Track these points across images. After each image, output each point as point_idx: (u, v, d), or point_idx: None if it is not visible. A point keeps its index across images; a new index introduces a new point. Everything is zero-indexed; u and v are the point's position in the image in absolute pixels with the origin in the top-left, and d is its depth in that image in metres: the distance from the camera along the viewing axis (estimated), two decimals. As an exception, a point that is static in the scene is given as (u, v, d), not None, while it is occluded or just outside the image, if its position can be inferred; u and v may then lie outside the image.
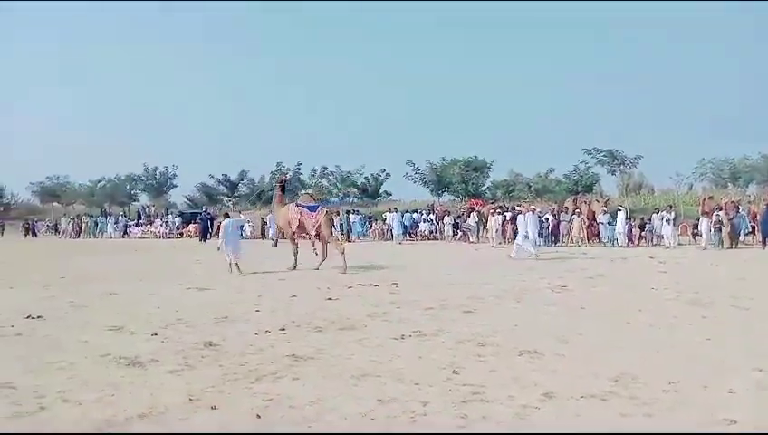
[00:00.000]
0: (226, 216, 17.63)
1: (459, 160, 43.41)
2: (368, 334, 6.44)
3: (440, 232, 28.75)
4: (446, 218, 28.62)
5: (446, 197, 44.55)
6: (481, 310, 8.04)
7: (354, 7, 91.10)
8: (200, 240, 31.42)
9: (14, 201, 62.19)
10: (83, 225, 40.51)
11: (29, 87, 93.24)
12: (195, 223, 35.64)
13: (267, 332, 6.59)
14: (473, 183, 42.44)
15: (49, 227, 45.67)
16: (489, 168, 43.67)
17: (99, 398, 4.23)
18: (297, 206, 14.42)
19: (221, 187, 54.41)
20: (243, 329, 6.82)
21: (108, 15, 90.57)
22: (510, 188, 43.47)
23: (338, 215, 26.65)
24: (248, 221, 30.42)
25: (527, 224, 17.11)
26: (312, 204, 14.60)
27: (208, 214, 35.69)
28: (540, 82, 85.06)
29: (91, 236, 39.16)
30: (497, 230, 23.51)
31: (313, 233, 14.01)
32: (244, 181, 53.97)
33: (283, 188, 16.19)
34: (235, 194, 54.41)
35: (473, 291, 9.87)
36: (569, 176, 41.92)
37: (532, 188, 41.68)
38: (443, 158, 45.00)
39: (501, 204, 30.55)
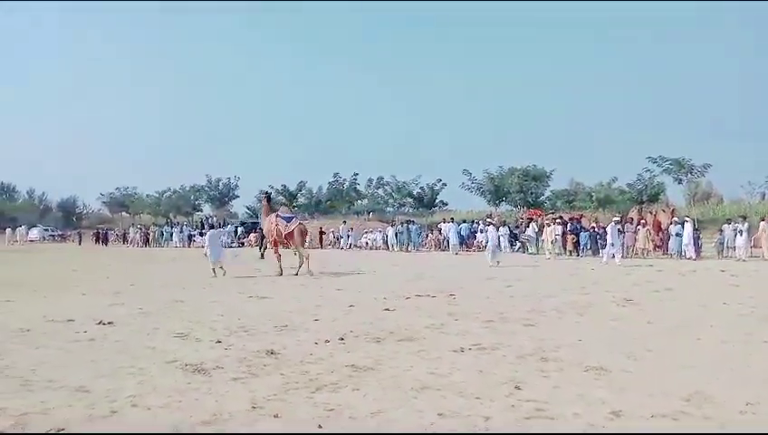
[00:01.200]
0: (211, 227, 19.31)
1: (517, 169, 42.64)
2: (426, 346, 6.39)
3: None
4: (502, 229, 28.20)
5: (504, 207, 43.88)
6: (542, 323, 7.86)
7: (412, 14, 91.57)
8: (259, 249, 32.11)
9: (85, 211, 65.48)
10: (150, 234, 42.13)
11: (100, 102, 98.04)
12: (254, 232, 36.49)
13: (326, 341, 6.65)
14: (531, 193, 41.61)
15: (118, 236, 47.73)
16: (549, 177, 42.69)
17: (166, 403, 4.36)
18: (277, 216, 16.55)
19: (280, 197, 55.54)
20: (302, 338, 6.90)
21: (172, 32, 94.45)
22: (570, 198, 42.33)
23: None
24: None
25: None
26: (288, 215, 17.10)
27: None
28: (603, 89, 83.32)
29: (158, 244, 40.64)
30: (553, 241, 22.98)
31: (284, 240, 16.00)
32: (303, 192, 54.88)
33: (269, 200, 18.60)
34: (294, 204, 55.43)
35: (533, 304, 9.67)
36: (633, 185, 40.47)
37: (593, 198, 40.44)
38: (500, 167, 44.37)
39: (559, 214, 29.89)
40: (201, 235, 41.00)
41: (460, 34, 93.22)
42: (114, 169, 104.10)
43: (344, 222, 33.19)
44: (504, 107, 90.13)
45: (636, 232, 22.84)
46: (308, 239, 17.50)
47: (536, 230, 25.96)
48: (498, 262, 18.82)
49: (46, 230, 51.72)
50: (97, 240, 44.28)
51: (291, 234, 15.78)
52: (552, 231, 23.01)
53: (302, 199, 54.99)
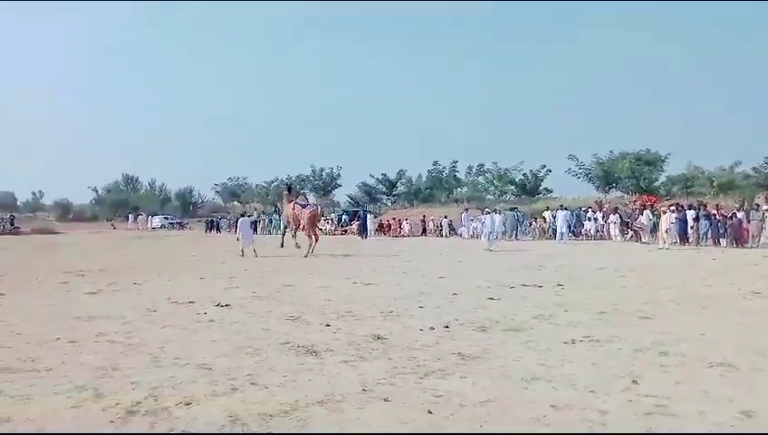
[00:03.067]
0: (243, 215, 24.23)
1: (629, 154, 40.48)
2: (534, 337, 6.23)
3: (607, 231, 27.07)
4: (613, 217, 26.88)
5: (614, 193, 41.82)
6: (660, 316, 7.41)
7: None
8: (361, 237, 32.80)
9: (200, 201, 69.75)
10: (259, 222, 44.14)
11: (218, 99, 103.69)
12: (356, 220, 37.31)
13: (432, 328, 6.66)
14: (645, 178, 39.32)
15: (230, 224, 50.43)
16: (663, 161, 40.21)
17: (282, 383, 4.56)
18: (296, 204, 19.29)
19: (380, 186, 56.27)
20: (408, 324, 6.95)
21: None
22: (688, 184, 39.55)
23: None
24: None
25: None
26: (304, 202, 19.92)
27: (365, 212, 37.20)
28: (723, 66, 76.79)
29: (266, 232, 42.50)
30: (668, 229, 21.57)
31: (300, 224, 18.74)
32: (402, 180, 55.28)
33: (289, 190, 21.40)
34: (394, 193, 55.96)
35: (649, 295, 9.15)
36: (758, 169, 37.21)
37: (714, 184, 37.54)
38: (610, 151, 42.39)
39: (677, 201, 28.03)
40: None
41: (565, 12, 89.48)
42: (227, 160, 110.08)
43: (466, 210, 32.64)
44: (614, 89, 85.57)
45: (763, 220, 20.96)
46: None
47: (650, 218, 24.50)
48: (491, 249, 20.96)
49: (166, 218, 55.61)
50: (210, 228, 46.94)
51: (308, 216, 18.56)
52: (668, 219, 21.63)
53: (401, 188, 55.43)
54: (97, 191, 69.46)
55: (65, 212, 68.43)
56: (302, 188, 60.06)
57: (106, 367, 5.02)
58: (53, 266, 15.09)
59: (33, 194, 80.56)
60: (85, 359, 5.35)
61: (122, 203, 63.88)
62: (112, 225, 53.40)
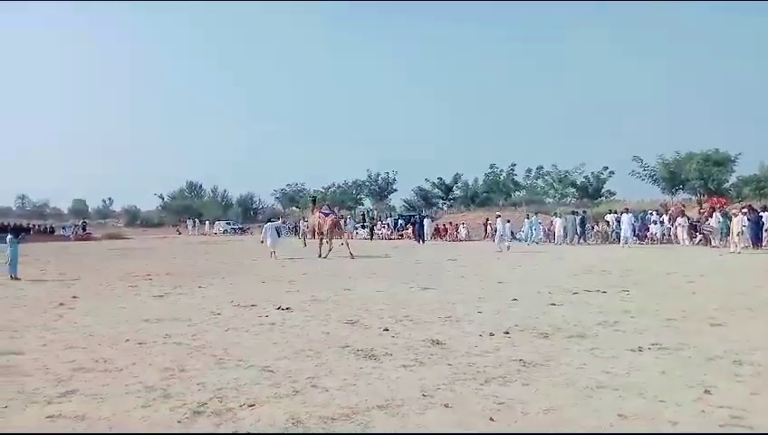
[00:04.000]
0: (269, 220, 25.79)
1: (697, 154, 38.73)
2: (599, 344, 6.04)
3: (674, 235, 26.01)
4: (680, 220, 25.80)
5: (681, 195, 40.14)
6: (733, 323, 7.05)
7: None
8: (417, 241, 32.74)
9: (261, 206, 71.32)
10: (284, 227, 44.73)
11: (274, 104, 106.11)
12: (411, 224, 37.26)
13: (491, 334, 6.55)
14: (713, 180, 37.55)
15: (290, 229, 51.36)
16: (734, 162, 38.25)
17: (342, 386, 4.59)
18: (320, 211, 21.39)
19: (436, 190, 56.01)
20: (467, 330, 6.87)
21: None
22: (761, 185, 37.52)
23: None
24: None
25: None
26: (326, 211, 21.72)
27: (422, 216, 37.11)
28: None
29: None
30: (740, 233, 20.51)
31: (324, 230, 20.54)
32: (459, 184, 54.85)
33: (314, 202, 24.85)
34: (450, 197, 55.60)
35: (721, 302, 8.72)
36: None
37: (791, 185, 35.44)
38: (677, 152, 40.64)
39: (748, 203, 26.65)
40: (363, 227, 42.92)
41: (625, 11, 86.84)
42: (286, 166, 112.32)
43: (536, 214, 31.87)
44: (679, 87, 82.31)
45: None
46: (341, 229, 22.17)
47: (720, 221, 23.38)
48: (500, 250, 22.77)
49: (228, 224, 57.15)
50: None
51: (330, 223, 20.55)
52: (740, 222, 20.58)
53: (457, 192, 54.98)
54: (163, 198, 72.22)
55: (133, 218, 71.45)
56: (359, 194, 60.82)
57: (173, 368, 5.19)
58: (123, 271, 15.76)
59: (104, 201, 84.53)
60: (154, 360, 5.55)
61: (187, 209, 66.10)
62: (177, 230, 55.30)
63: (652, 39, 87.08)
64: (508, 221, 26.53)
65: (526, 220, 30.35)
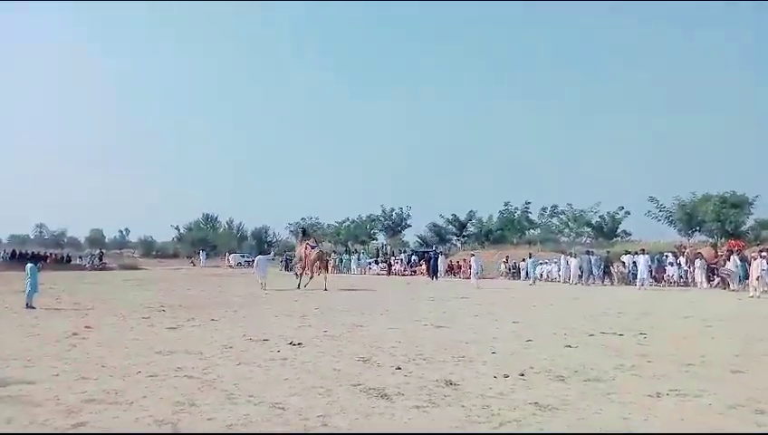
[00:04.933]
0: (261, 253, 29.37)
1: (713, 196, 38.40)
2: (616, 389, 5.90)
3: (692, 278, 25.63)
4: (698, 262, 25.45)
5: (697, 237, 39.68)
6: (755, 370, 6.87)
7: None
8: (431, 277, 32.56)
9: (275, 239, 71.56)
10: (330, 261, 44.78)
11: (290, 139, 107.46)
12: (426, 261, 37.07)
13: (506, 376, 6.44)
14: (731, 222, 37.11)
15: (286, 262, 51.20)
16: (751, 204, 37.83)
17: (352, 426, 4.51)
18: (306, 244, 22.83)
19: (450, 226, 55.89)
20: (481, 371, 6.77)
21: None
22: (779, 228, 37.04)
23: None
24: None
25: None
26: (313, 244, 23.15)
27: (436, 253, 36.99)
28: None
29: (338, 271, 43.01)
30: (759, 277, 20.15)
31: (308, 263, 22.05)
32: (473, 221, 54.69)
33: (304, 233, 26.55)
34: (464, 233, 55.41)
35: (741, 347, 8.54)
36: None
37: (810, 228, 34.89)
38: (693, 193, 40.32)
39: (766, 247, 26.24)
40: (377, 263, 42.84)
41: (638, 47, 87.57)
42: (300, 201, 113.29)
43: (572, 254, 31.74)
44: (695, 128, 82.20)
45: None
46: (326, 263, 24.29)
47: (738, 264, 23.02)
48: (477, 286, 24.52)
49: (242, 256, 57.25)
50: (285, 267, 47.93)
51: (316, 255, 22.01)
52: (759, 265, 20.25)
53: (471, 229, 54.79)
54: (179, 229, 72.76)
55: (149, 249, 71.99)
56: (372, 229, 60.89)
57: (184, 402, 5.16)
58: (137, 301, 15.82)
59: (120, 232, 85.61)
60: (164, 393, 5.51)
61: (202, 241, 66.47)
62: (192, 262, 55.51)
63: (664, 77, 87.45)
64: (700, 256, 26.52)
65: (528, 260, 30.45)
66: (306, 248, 22.62)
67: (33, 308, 13.41)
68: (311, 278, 21.91)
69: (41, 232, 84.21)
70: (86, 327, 10.30)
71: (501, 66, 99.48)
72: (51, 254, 49.90)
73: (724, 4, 76.71)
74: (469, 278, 33.97)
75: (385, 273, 39.68)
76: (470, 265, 28.79)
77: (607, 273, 28.63)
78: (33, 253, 45.12)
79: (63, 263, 45.18)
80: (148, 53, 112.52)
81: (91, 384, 5.89)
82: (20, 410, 4.86)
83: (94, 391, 5.59)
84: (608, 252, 31.68)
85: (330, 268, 27.76)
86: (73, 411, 4.85)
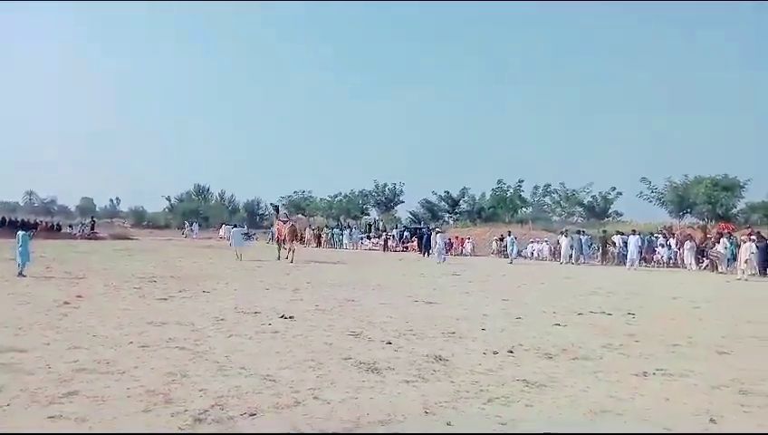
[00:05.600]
0: (235, 226, 30.77)
1: (705, 178, 38.62)
2: (603, 367, 5.99)
3: (681, 259, 25.88)
4: (688, 244, 25.67)
5: (688, 219, 39.99)
6: (740, 352, 6.99)
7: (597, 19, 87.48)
8: (422, 254, 32.69)
9: (267, 212, 71.44)
10: (323, 236, 44.79)
11: (283, 112, 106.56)
12: (418, 238, 37.17)
13: (495, 352, 6.52)
14: (721, 205, 37.38)
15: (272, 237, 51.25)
16: (743, 187, 38.09)
17: (344, 399, 4.56)
18: (278, 220, 25.71)
19: (443, 203, 55.93)
20: (471, 347, 6.83)
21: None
22: (770, 212, 37.34)
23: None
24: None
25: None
26: (284, 219, 25.80)
27: (429, 229, 37.08)
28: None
29: (330, 245, 43.07)
30: (747, 260, 20.38)
31: (282, 237, 24.15)
32: (465, 198, 54.74)
33: (277, 211, 29.43)
34: (456, 210, 55.49)
35: (728, 329, 8.66)
36: None
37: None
38: (685, 175, 40.58)
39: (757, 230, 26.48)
40: (369, 238, 42.90)
41: (638, 32, 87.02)
42: (292, 174, 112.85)
43: (563, 233, 31.45)
44: (690, 110, 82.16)
45: None
46: (299, 236, 27.92)
47: (726, 246, 23.26)
48: (439, 262, 26.28)
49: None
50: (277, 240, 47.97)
51: (288, 230, 23.71)
52: (748, 249, 20.46)
53: (464, 206, 54.85)
54: (170, 200, 72.39)
55: (140, 219, 71.63)
56: (365, 204, 60.81)
57: (175, 373, 5.18)
58: (128, 272, 15.80)
59: (111, 201, 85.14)
60: (156, 364, 5.54)
61: (193, 212, 66.25)
62: (183, 233, 55.36)
63: (665, 60, 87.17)
64: (690, 239, 26.78)
65: (508, 238, 30.42)
66: (279, 224, 25.04)
67: (25, 277, 13.37)
68: (280, 249, 23.94)
69: (30, 199, 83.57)
70: (77, 296, 10.29)
71: (497, 50, 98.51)
72: (41, 222, 49.55)
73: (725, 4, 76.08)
74: (462, 255, 34.17)
75: (379, 248, 39.67)
76: (436, 242, 29.29)
77: (604, 253, 28.80)
78: (23, 220, 44.86)
79: (54, 231, 44.88)
80: (148, 54, 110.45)
81: (82, 353, 5.90)
82: (12, 378, 4.87)
83: (86, 360, 5.61)
84: (604, 231, 31.81)
85: (304, 241, 31.41)
86: (65, 380, 4.87)
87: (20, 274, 13.49)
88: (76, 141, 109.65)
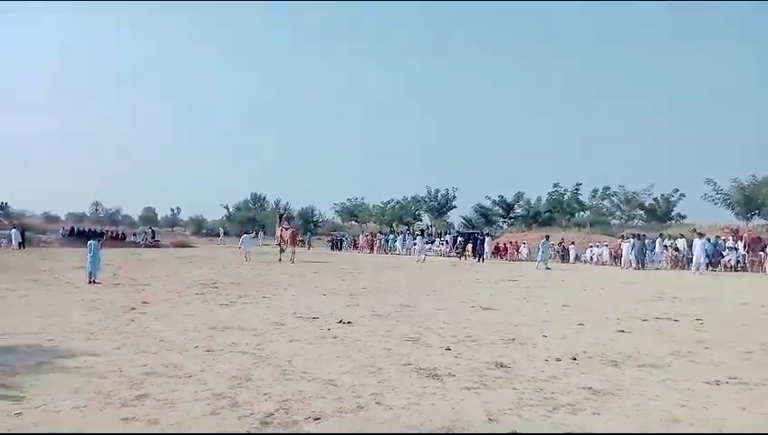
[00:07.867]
0: (246, 232, 34.27)
1: (774, 179, 36.77)
2: (672, 375, 5.77)
3: (750, 263, 24.63)
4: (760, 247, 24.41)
5: (756, 221, 38.09)
6: (822, 361, 6.59)
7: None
8: (476, 260, 32.35)
9: (321, 219, 72.41)
10: (376, 241, 44.96)
11: (339, 121, 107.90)
12: (472, 243, 36.73)
13: (558, 359, 6.38)
14: (792, 206, 35.46)
15: (350, 242, 51.79)
16: (815, 187, 36.05)
17: (406, 405, 4.55)
18: (282, 227, 28.43)
19: (497, 208, 55.22)
20: (532, 353, 6.71)
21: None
22: None
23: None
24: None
25: None
26: (288, 226, 28.92)
27: (483, 234, 36.68)
28: None
29: (383, 251, 43.16)
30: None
31: (285, 240, 27.16)
32: (520, 203, 53.85)
33: (281, 218, 31.45)
34: (511, 215, 54.67)
35: (806, 336, 8.19)
36: None
37: None
38: (753, 176, 38.66)
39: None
40: (431, 242, 42.83)
41: (701, 30, 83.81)
42: (346, 182, 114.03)
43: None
44: (755, 109, 78.33)
45: None
46: (298, 240, 31.14)
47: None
48: (419, 260, 29.65)
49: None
50: (333, 247, 48.54)
51: (290, 235, 27.31)
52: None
53: (519, 210, 53.97)
54: (228, 208, 74.32)
55: (199, 227, 73.76)
56: (417, 209, 60.74)
57: (240, 377, 5.31)
58: (190, 278, 16.29)
59: (172, 210, 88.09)
60: (221, 368, 5.68)
61: (250, 220, 67.76)
62: (219, 241, 56.56)
63: (727, 57, 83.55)
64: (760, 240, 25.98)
65: (541, 242, 29.06)
66: (282, 230, 28.06)
67: (99, 283, 13.98)
68: (282, 251, 27.07)
69: (96, 210, 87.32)
70: (143, 302, 10.69)
71: (558, 40, 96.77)
72: (107, 231, 51.75)
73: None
74: (517, 260, 33.63)
75: (444, 255, 39.09)
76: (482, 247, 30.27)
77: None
78: (91, 230, 46.95)
79: (119, 240, 46.76)
80: (218, 68, 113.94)
81: (150, 358, 6.12)
82: (86, 381, 5.10)
83: (154, 364, 5.81)
84: (681, 235, 30.45)
85: (299, 244, 33.79)
86: (136, 383, 5.06)
87: (93, 281, 14.11)
88: (141, 150, 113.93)
